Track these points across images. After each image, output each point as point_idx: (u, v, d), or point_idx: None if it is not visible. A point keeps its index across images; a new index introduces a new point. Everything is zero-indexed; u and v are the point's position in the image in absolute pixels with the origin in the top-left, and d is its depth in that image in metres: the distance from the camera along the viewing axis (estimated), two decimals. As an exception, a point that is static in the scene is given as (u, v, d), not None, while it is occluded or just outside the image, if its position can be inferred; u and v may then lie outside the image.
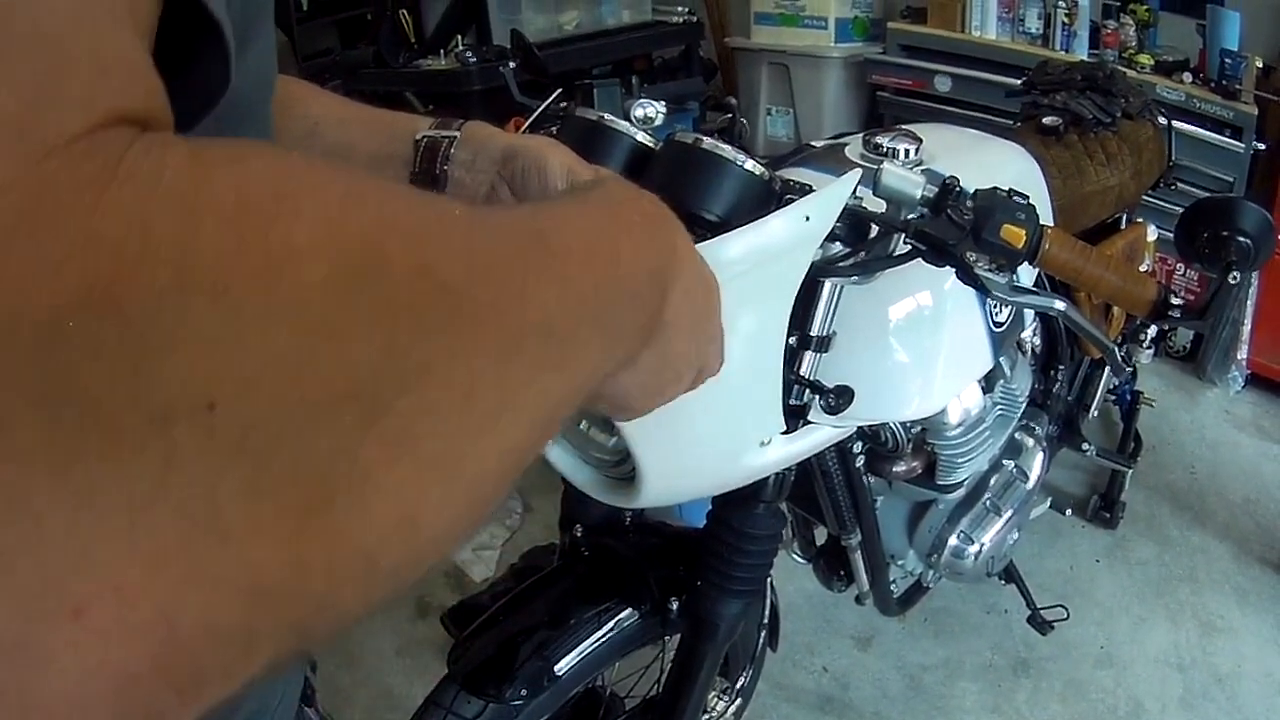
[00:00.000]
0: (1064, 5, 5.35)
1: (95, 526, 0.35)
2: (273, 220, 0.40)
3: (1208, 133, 4.90)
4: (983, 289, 1.53)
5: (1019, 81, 3.51)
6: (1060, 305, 1.72)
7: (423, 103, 4.72)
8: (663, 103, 1.71)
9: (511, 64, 2.62)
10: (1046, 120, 2.89)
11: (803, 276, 1.40)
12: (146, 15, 0.47)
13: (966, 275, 1.51)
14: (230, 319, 0.38)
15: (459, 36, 4.75)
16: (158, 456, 0.36)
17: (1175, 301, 1.66)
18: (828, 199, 1.39)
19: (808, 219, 1.36)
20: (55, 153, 0.36)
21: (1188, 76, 5.03)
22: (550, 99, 1.92)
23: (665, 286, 0.77)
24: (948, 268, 1.54)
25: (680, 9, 5.82)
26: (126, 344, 0.36)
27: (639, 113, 1.67)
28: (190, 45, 0.53)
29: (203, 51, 0.54)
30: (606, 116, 1.52)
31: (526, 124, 1.91)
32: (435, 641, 3.52)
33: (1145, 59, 5.16)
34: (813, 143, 2.40)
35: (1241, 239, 2.08)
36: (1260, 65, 4.99)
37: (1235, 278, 1.83)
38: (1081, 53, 5.33)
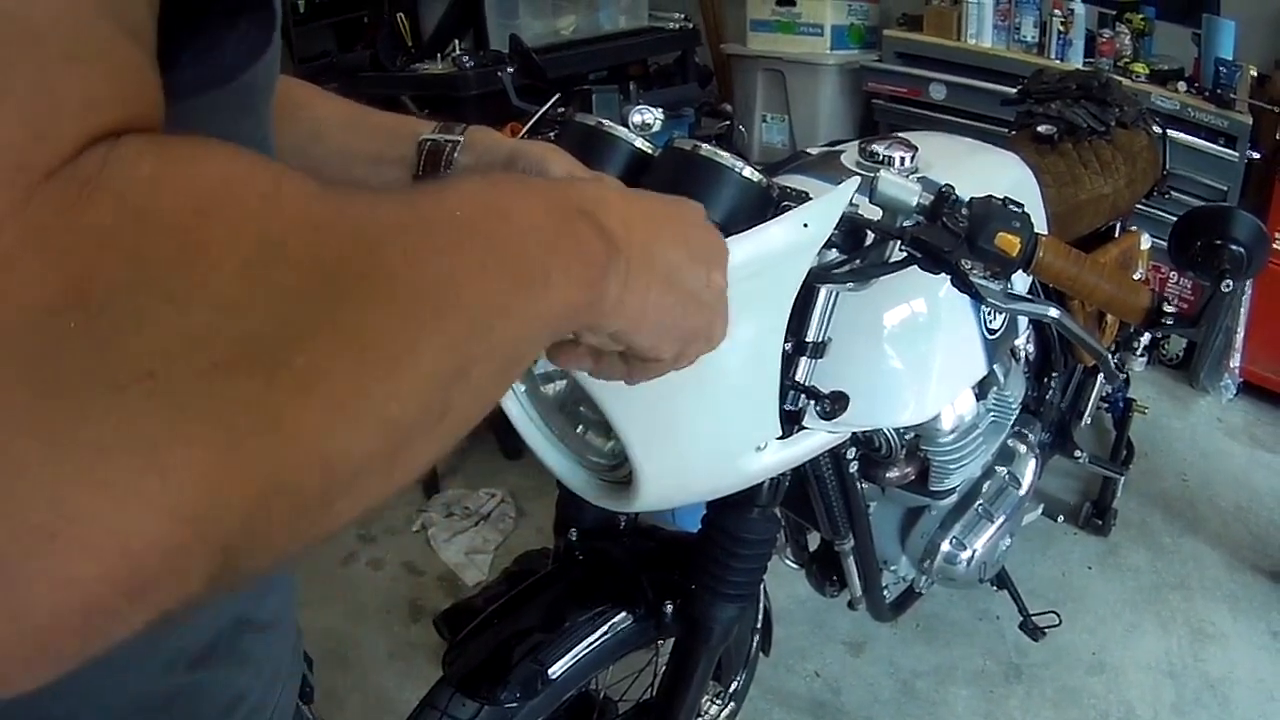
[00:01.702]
0: (1060, 14, 5.35)
1: (66, 470, 0.44)
2: (203, 227, 0.50)
3: (1202, 141, 4.91)
4: (978, 296, 1.54)
5: (1014, 90, 3.52)
6: (1054, 313, 1.73)
7: (419, 106, 4.70)
8: (660, 109, 1.71)
9: (509, 69, 2.63)
10: (1041, 129, 2.90)
11: (800, 283, 1.40)
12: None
13: (962, 283, 1.52)
14: (164, 306, 0.47)
15: (456, 41, 4.76)
16: (112, 415, 0.45)
17: (1168, 309, 1.67)
18: (826, 207, 1.39)
19: (806, 226, 1.36)
20: (43, 184, 0.47)
21: (1183, 85, 5.04)
22: (549, 104, 1.93)
23: (596, 220, 0.80)
24: (942, 275, 1.54)
25: (676, 15, 5.83)
26: (92, 332, 0.45)
27: (637, 119, 1.67)
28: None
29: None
30: (605, 123, 1.52)
31: (525, 129, 1.91)
32: (428, 645, 3.53)
33: (1141, 68, 5.16)
34: (808, 150, 2.40)
35: (1235, 248, 2.08)
36: (1255, 74, 5.00)
37: (1228, 286, 1.84)
38: (1077, 61, 5.33)
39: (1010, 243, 1.48)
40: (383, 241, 0.59)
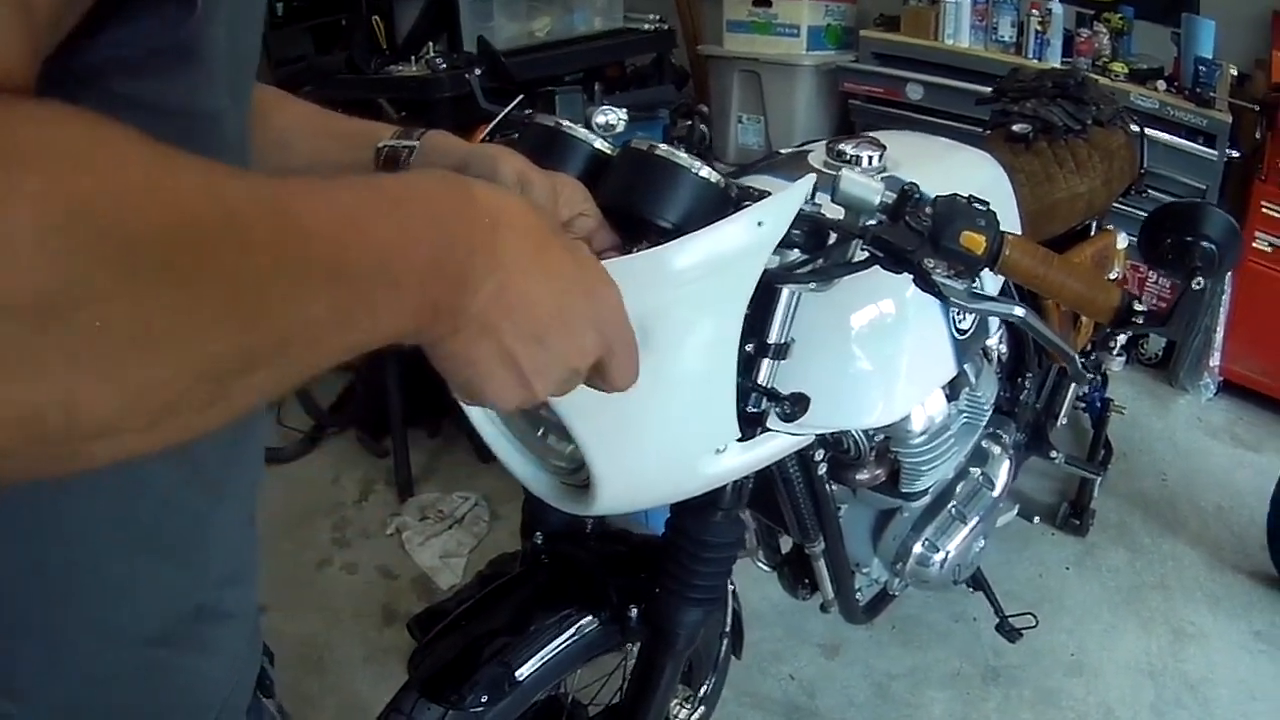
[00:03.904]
0: (1037, 13, 5.36)
1: None
2: (15, 184, 0.52)
3: (1182, 140, 4.92)
4: (941, 296, 1.53)
5: (990, 90, 3.52)
6: (1019, 312, 1.71)
7: (395, 109, 4.70)
8: (624, 110, 1.71)
9: (477, 71, 2.61)
10: (1016, 127, 2.89)
11: (755, 283, 1.39)
12: None
13: (924, 282, 1.50)
14: None
15: (430, 43, 4.74)
16: None
17: (1138, 308, 1.65)
18: (780, 204, 1.38)
19: (760, 224, 1.35)
20: None
21: (1162, 84, 5.05)
22: (510, 106, 1.92)
23: (462, 277, 0.82)
24: (908, 274, 1.53)
25: (652, 16, 5.80)
26: None
27: (600, 119, 1.67)
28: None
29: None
30: (564, 123, 1.52)
31: (486, 131, 1.91)
32: (402, 649, 3.52)
33: (1119, 67, 5.17)
34: (781, 150, 2.39)
35: (1206, 245, 2.07)
36: (1235, 73, 5.01)
37: (1199, 284, 1.82)
38: (1055, 60, 5.33)
39: (975, 241, 1.46)
40: (221, 235, 0.61)
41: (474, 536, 4.20)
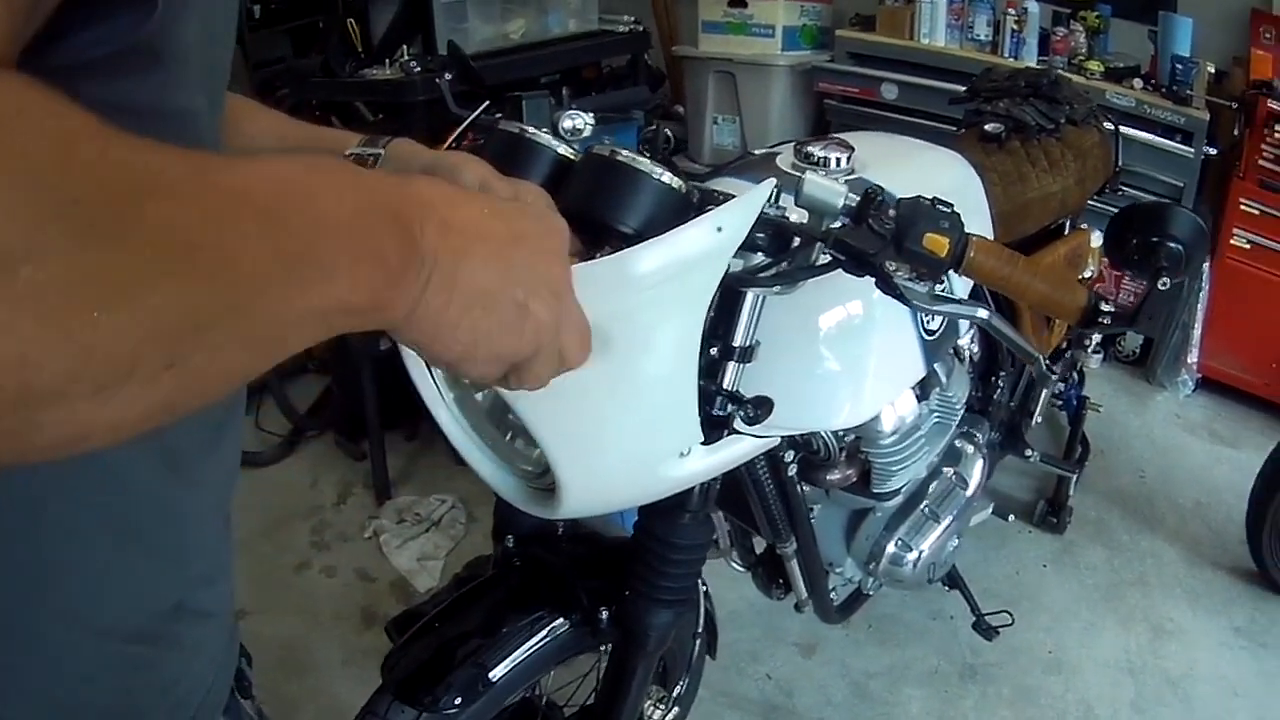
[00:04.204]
0: (1013, 12, 5.35)
1: None
2: None
3: (1158, 138, 4.92)
4: (902, 299, 1.53)
5: (964, 89, 3.52)
6: (983, 314, 1.71)
7: (372, 112, 4.70)
8: (591, 114, 1.70)
9: (448, 75, 2.60)
10: (988, 127, 2.89)
11: (716, 287, 1.40)
12: None
13: (886, 285, 1.50)
14: None
15: (405, 46, 4.73)
16: None
17: (1105, 308, 1.66)
18: (740, 209, 1.38)
19: (720, 229, 1.35)
20: None
21: (1138, 82, 5.05)
22: (476, 112, 1.92)
23: (406, 223, 0.81)
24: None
25: (627, 18, 5.77)
26: None
27: (567, 124, 1.66)
28: None
29: None
30: (529, 129, 1.53)
31: (451, 138, 1.91)
32: (381, 651, 3.46)
33: (1095, 65, 5.17)
34: (754, 151, 2.39)
35: (1173, 245, 2.07)
36: (1212, 71, 5.02)
37: (1165, 284, 1.83)
38: (1031, 59, 5.33)
39: (939, 243, 1.46)
40: (147, 191, 0.61)
41: (451, 539, 4.20)
